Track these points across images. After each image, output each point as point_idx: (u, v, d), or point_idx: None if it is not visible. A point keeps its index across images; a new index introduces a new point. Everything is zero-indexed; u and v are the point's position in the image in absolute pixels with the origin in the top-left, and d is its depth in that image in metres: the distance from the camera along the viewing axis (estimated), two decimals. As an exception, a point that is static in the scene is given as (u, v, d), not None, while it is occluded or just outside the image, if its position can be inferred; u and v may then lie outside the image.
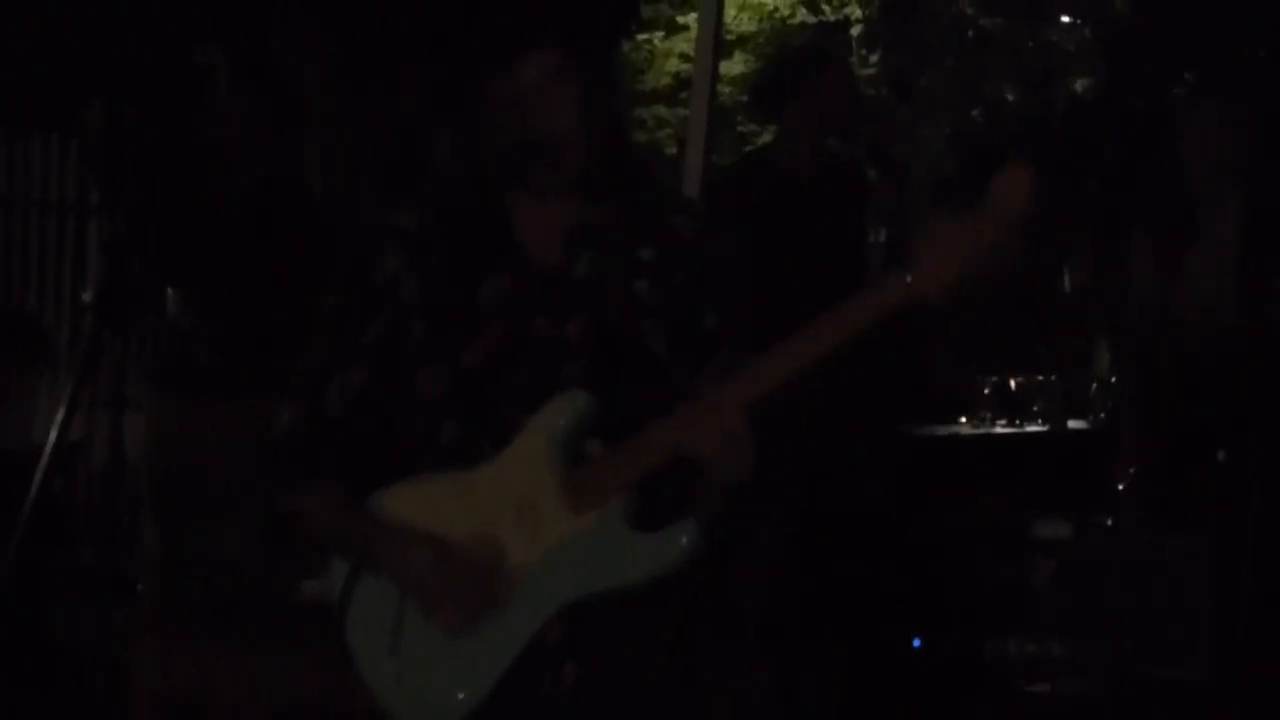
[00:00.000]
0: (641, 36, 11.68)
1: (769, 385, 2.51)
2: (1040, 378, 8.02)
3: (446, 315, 2.68)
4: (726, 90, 10.75)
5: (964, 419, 7.56)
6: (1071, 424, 7.86)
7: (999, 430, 7.51)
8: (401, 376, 2.71)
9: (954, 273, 2.42)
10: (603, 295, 2.69)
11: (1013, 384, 7.80)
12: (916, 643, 6.12)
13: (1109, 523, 6.72)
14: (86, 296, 7.55)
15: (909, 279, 2.44)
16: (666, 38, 11.74)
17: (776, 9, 11.76)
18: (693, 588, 2.70)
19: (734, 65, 11.43)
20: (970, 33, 11.58)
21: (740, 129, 11.82)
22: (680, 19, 11.57)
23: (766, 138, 12.46)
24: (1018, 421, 7.62)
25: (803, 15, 11.74)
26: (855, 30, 11.74)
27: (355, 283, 2.75)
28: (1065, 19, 11.93)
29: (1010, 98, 11.89)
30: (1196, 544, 6.15)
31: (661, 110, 11.84)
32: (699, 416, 2.53)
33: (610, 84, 2.78)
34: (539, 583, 2.61)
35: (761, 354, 2.53)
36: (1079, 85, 11.60)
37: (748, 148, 11.92)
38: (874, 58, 11.78)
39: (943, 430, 7.44)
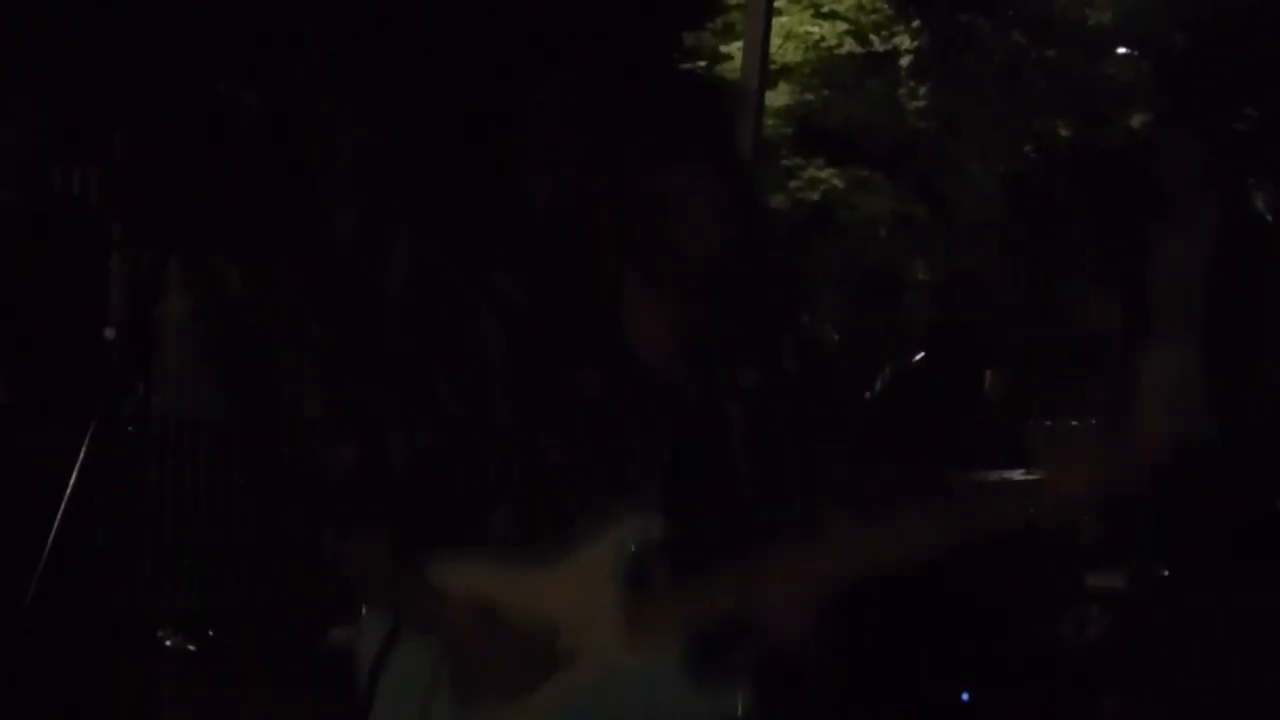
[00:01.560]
0: (684, 66, 11.72)
1: (892, 549, 2.47)
2: (1094, 421, 8.00)
3: (532, 400, 2.63)
4: (771, 123, 10.78)
5: (1018, 466, 7.51)
6: None
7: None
8: (470, 452, 2.65)
9: (1086, 498, 2.43)
10: (695, 409, 2.64)
11: (1067, 427, 7.78)
12: (965, 697, 6.10)
13: (1165, 573, 6.67)
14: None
15: (1044, 504, 2.50)
16: (710, 67, 11.77)
17: (823, 38, 11.82)
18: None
19: (779, 96, 11.49)
20: (1023, 67, 11.62)
21: (785, 162, 11.91)
22: (724, 48, 11.60)
23: (814, 172, 12.64)
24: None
25: (850, 45, 11.81)
26: (904, 61, 11.80)
27: (444, 338, 2.68)
28: (1121, 50, 11.94)
29: (1064, 133, 11.92)
30: (1262, 597, 6.09)
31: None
32: (804, 562, 2.48)
33: (749, 192, 2.73)
34: (584, 707, 2.56)
35: (856, 524, 2.49)
36: (1135, 120, 11.62)
37: (793, 182, 12.04)
38: (923, 90, 11.85)
39: (994, 476, 7.40)
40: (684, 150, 2.57)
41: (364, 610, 2.71)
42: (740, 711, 2.55)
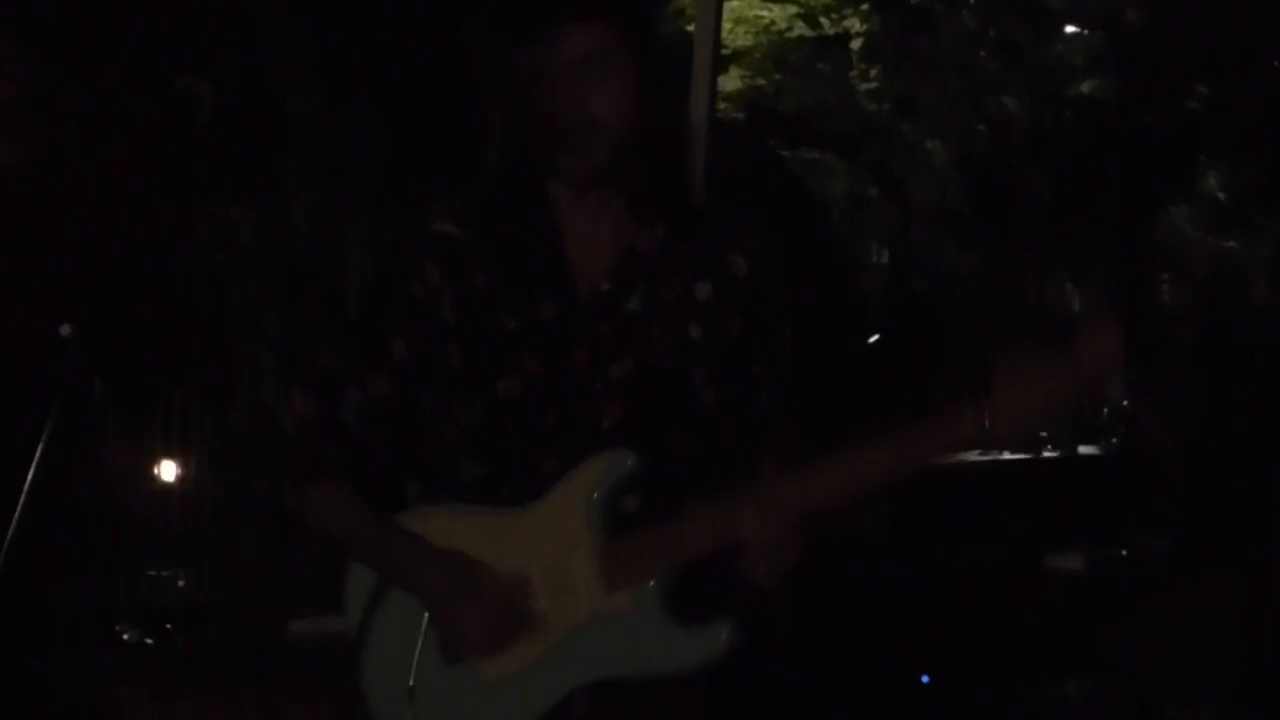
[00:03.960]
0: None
1: (824, 500, 2.48)
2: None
3: (485, 340, 2.63)
4: (723, 107, 10.81)
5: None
6: (1082, 450, 7.92)
7: (1008, 457, 7.57)
8: (430, 400, 2.67)
9: (1034, 422, 2.41)
10: (653, 335, 2.62)
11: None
12: (925, 679, 6.15)
13: (1124, 554, 6.77)
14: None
15: (987, 423, 2.41)
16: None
17: (774, 23, 11.81)
18: (722, 669, 2.63)
19: (731, 81, 11.50)
20: (975, 48, 11.64)
21: (738, 144, 11.89)
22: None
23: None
24: (1028, 449, 7.69)
25: (800, 29, 11.80)
26: (855, 44, 11.81)
27: (392, 291, 2.67)
28: (1072, 29, 12.01)
29: (1013, 109, 11.99)
30: (1220, 576, 6.19)
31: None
32: (748, 511, 2.49)
33: (658, 76, 2.66)
34: (566, 653, 2.58)
35: (824, 460, 2.49)
36: (1086, 87, 11.68)
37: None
38: (874, 72, 11.86)
39: (950, 458, 7.47)
40: (595, 10, 2.57)
41: (347, 577, 2.74)
42: (724, 648, 2.54)
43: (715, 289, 2.67)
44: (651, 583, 2.55)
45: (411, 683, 2.62)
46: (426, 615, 2.61)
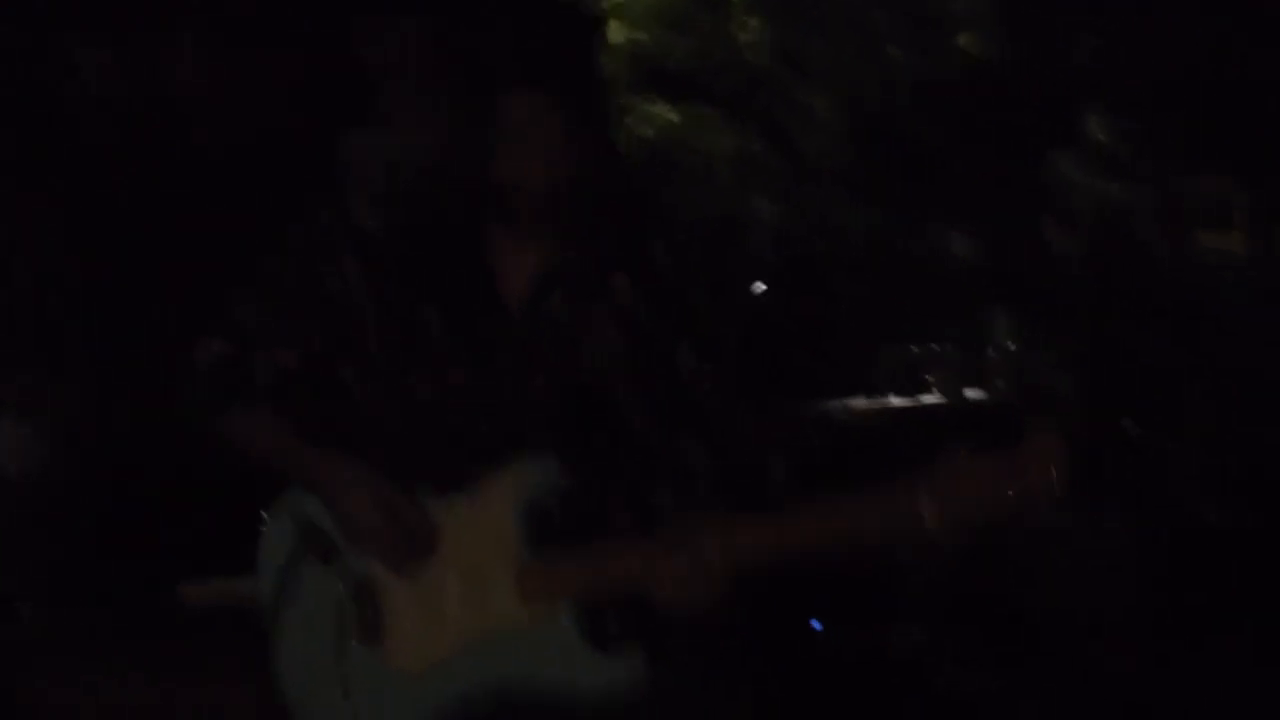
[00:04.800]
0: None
1: (749, 566, 2.58)
2: (935, 347, 8.17)
3: (403, 336, 2.69)
4: (604, 62, 10.83)
5: (861, 393, 7.69)
6: (969, 394, 8.02)
7: (895, 403, 7.65)
8: (341, 384, 2.72)
9: (971, 522, 2.48)
10: (571, 343, 2.72)
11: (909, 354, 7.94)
12: (816, 625, 6.23)
13: (1009, 494, 6.84)
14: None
15: (925, 518, 2.48)
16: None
17: None
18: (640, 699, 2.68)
19: (612, 35, 11.49)
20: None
21: (620, 100, 11.90)
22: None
23: (646, 106, 12.61)
24: (913, 394, 7.77)
25: None
26: None
27: (309, 277, 2.73)
28: None
29: (899, 61, 12.06)
30: (1112, 524, 6.30)
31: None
32: (669, 561, 2.57)
33: (600, 125, 2.82)
34: (475, 655, 2.65)
35: (751, 520, 2.59)
36: (963, 40, 11.78)
37: (628, 118, 12.09)
38: (754, 22, 11.92)
39: (838, 405, 7.55)
40: (534, 81, 2.66)
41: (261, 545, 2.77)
42: (629, 683, 2.63)
43: (632, 278, 2.78)
44: (566, 601, 2.63)
45: (334, 664, 2.69)
46: (343, 594, 2.65)
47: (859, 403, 7.69)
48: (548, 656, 2.62)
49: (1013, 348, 8.56)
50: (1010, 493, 2.49)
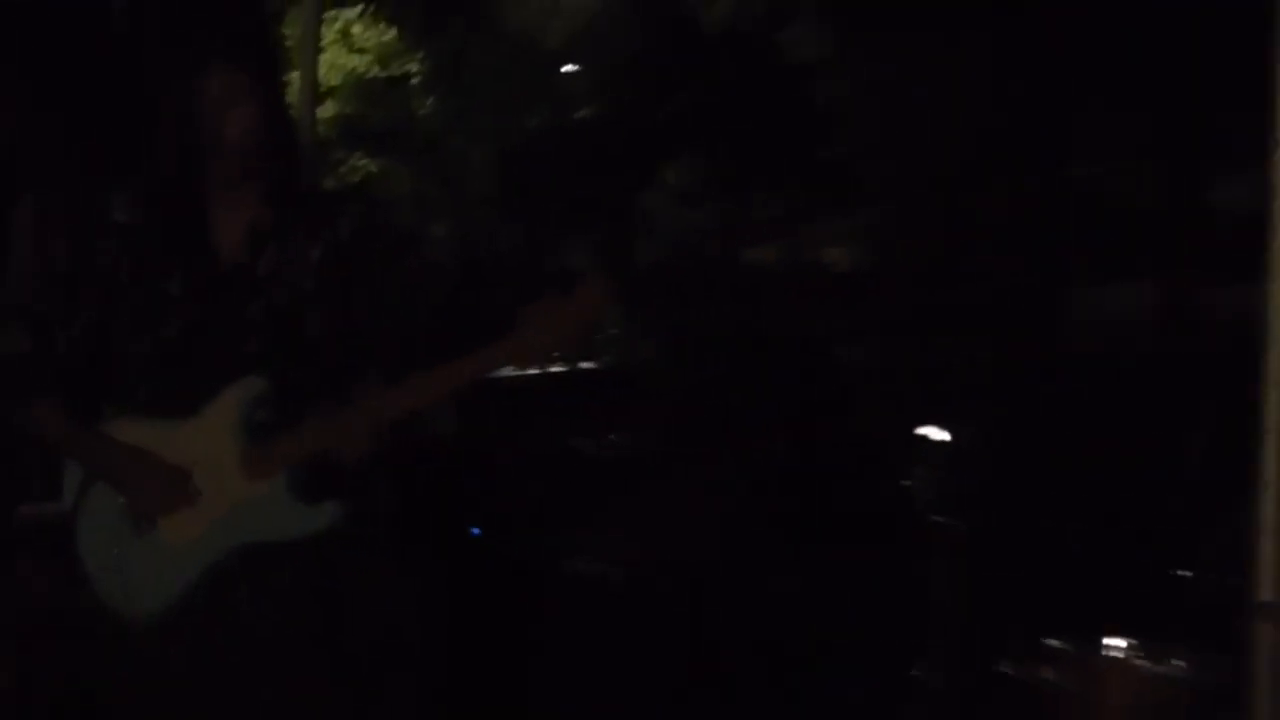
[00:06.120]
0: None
1: (408, 405, 2.89)
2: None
3: (153, 301, 2.93)
4: (322, 129, 14.13)
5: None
6: (583, 365, 8.47)
7: (532, 372, 7.19)
8: (115, 342, 2.98)
9: (551, 345, 2.88)
10: (277, 288, 2.94)
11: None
12: (475, 531, 6.27)
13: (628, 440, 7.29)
14: None
15: (532, 344, 2.83)
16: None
17: (356, 67, 15.38)
18: (339, 535, 2.99)
19: (327, 110, 14.98)
20: (501, 78, 14.70)
21: (334, 156, 15.40)
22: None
23: (353, 162, 15.50)
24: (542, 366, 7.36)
25: (375, 70, 15.31)
26: (415, 80, 15.25)
27: (82, 262, 2.95)
28: (569, 67, 14.88)
29: (530, 124, 14.82)
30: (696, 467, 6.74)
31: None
32: (349, 421, 2.87)
33: (282, 100, 3.06)
34: (222, 526, 2.95)
35: (411, 378, 2.87)
36: (582, 113, 14.72)
37: (341, 169, 15.53)
38: (429, 99, 15.27)
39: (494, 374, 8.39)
40: (229, 60, 2.89)
41: (65, 474, 3.02)
42: (329, 521, 2.94)
43: (324, 249, 2.96)
44: (281, 474, 2.91)
45: (114, 542, 2.94)
46: (121, 499, 2.95)
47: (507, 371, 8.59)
48: (270, 516, 2.92)
49: (615, 330, 10.01)
50: (574, 322, 2.84)
